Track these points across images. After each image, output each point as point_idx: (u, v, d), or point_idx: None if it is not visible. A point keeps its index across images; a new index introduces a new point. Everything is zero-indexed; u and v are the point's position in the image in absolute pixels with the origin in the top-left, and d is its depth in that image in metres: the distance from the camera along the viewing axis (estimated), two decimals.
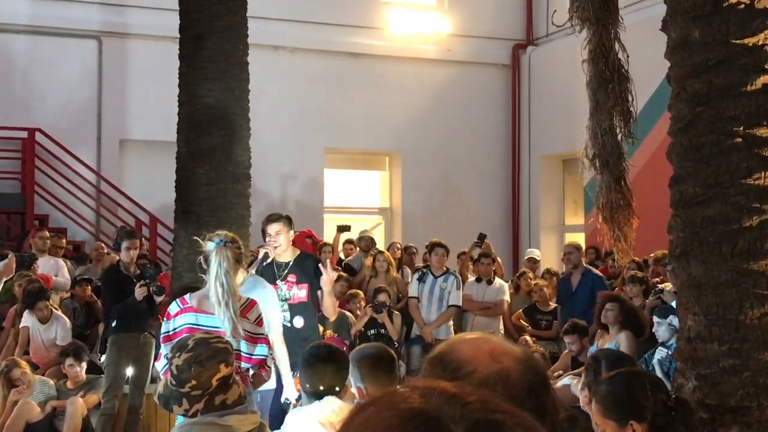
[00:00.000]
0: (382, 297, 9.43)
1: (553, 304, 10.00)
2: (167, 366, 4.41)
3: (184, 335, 3.72)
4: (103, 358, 7.94)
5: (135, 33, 13.40)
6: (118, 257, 8.44)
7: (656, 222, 7.01)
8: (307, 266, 6.65)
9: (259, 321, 4.66)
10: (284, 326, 6.51)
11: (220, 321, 4.47)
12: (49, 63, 13.04)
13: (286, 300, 6.72)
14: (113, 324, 7.71)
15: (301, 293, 6.75)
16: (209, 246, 4.60)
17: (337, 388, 3.91)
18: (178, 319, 4.55)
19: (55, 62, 13.07)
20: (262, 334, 4.66)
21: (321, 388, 3.86)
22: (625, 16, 6.16)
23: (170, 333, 4.53)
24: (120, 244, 7.95)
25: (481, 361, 1.65)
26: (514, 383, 1.63)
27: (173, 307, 4.63)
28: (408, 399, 1.23)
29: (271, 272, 6.64)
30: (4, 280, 5.47)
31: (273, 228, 6.69)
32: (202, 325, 4.41)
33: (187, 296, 4.66)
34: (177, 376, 3.29)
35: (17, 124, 12.81)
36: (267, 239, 6.82)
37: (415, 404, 1.22)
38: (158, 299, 7.77)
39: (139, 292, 7.54)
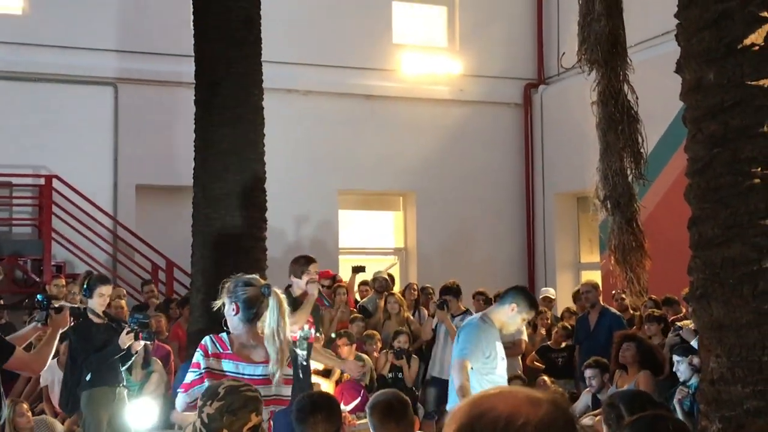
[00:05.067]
0: (402, 338, 9.44)
1: (565, 343, 9.98)
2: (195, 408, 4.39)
3: (214, 382, 3.71)
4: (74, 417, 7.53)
5: (151, 79, 13.55)
6: (85, 305, 7.47)
7: (669, 260, 6.98)
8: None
9: (289, 362, 4.63)
10: (302, 365, 6.71)
11: (261, 369, 4.42)
12: (65, 110, 13.17)
13: (306, 338, 6.87)
14: (87, 378, 7.12)
15: (312, 331, 6.98)
16: (257, 293, 4.52)
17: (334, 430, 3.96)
18: (224, 363, 4.44)
19: (71, 109, 13.21)
20: (291, 375, 4.65)
21: None
22: (636, 54, 6.20)
23: (216, 372, 4.36)
24: (93, 290, 7.22)
25: (527, 410, 1.66)
26: (558, 429, 1.65)
27: (210, 345, 4.48)
28: None
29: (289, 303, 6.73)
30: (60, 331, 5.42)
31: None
32: (243, 374, 4.33)
33: (224, 337, 4.55)
34: (208, 425, 3.31)
35: (34, 171, 12.94)
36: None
37: None
38: (140, 346, 7.18)
39: (126, 339, 6.91)
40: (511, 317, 5.84)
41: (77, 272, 12.46)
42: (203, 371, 4.38)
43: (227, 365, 4.40)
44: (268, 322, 4.41)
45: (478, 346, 5.77)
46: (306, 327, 6.82)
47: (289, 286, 6.87)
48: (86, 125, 13.29)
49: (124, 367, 7.36)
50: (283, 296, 4.49)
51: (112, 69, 13.50)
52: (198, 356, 4.50)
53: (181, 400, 4.47)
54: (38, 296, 5.54)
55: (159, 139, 13.38)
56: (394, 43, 15.28)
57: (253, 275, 4.74)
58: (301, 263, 6.93)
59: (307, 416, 3.94)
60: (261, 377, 4.36)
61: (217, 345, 4.47)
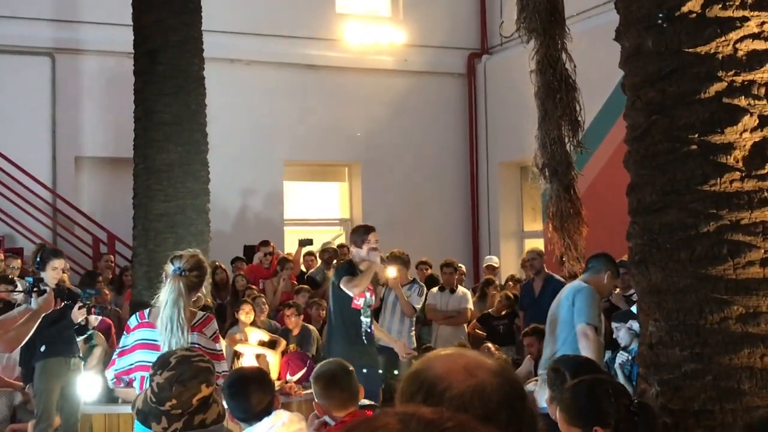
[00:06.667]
0: None
1: (505, 311, 10.10)
2: (129, 376, 4.41)
3: (167, 351, 3.71)
4: (29, 387, 7.55)
5: (89, 49, 13.27)
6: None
7: (611, 228, 7.09)
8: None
9: (215, 337, 4.63)
10: (366, 332, 6.89)
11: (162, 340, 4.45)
12: (1, 81, 12.86)
13: (369, 306, 7.02)
14: (41, 349, 7.23)
15: (374, 298, 7.19)
16: (169, 269, 4.58)
17: (269, 403, 3.96)
18: (135, 333, 4.53)
19: (7, 80, 12.90)
20: (218, 350, 4.63)
21: (253, 410, 3.89)
22: (577, 24, 6.25)
23: (127, 347, 4.51)
24: (45, 263, 7.14)
25: (456, 377, 1.65)
26: (489, 397, 1.63)
27: (132, 321, 4.59)
28: (387, 426, 1.23)
29: (352, 271, 6.93)
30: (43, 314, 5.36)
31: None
32: (156, 341, 4.39)
33: (146, 311, 4.62)
34: (157, 394, 3.27)
35: None
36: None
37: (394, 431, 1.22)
38: (96, 321, 7.44)
39: (78, 314, 7.05)
40: (607, 285, 5.94)
41: (17, 246, 12.24)
42: (119, 350, 4.50)
43: (143, 333, 4.46)
44: (162, 299, 4.46)
45: (596, 315, 5.81)
46: (368, 294, 6.95)
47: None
48: (23, 97, 12.99)
49: (81, 338, 7.52)
50: (178, 283, 4.47)
51: (48, 39, 13.19)
52: (122, 337, 4.64)
53: (108, 376, 4.63)
54: (27, 278, 5.56)
55: (98, 110, 13.14)
56: (337, 13, 15.17)
57: (188, 253, 4.73)
58: (361, 233, 7.04)
59: (238, 390, 3.92)
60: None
61: (137, 317, 4.55)
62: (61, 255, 7.58)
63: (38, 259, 7.27)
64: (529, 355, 8.18)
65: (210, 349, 4.49)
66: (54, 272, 7.17)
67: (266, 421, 3.84)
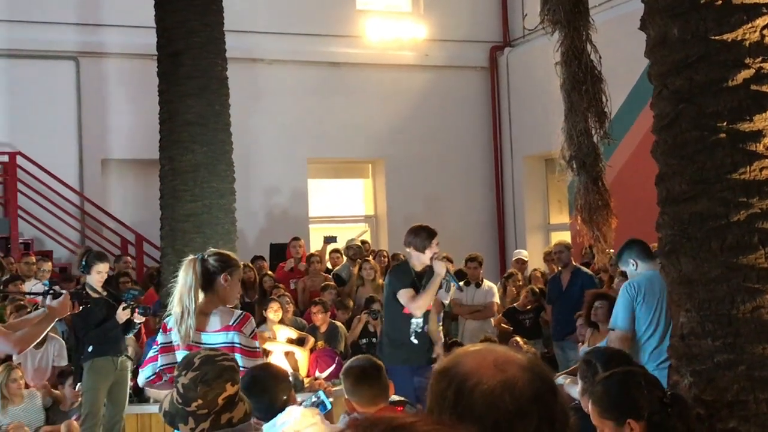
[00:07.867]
0: (376, 306, 9.43)
1: (531, 305, 10.08)
2: (164, 380, 4.44)
3: (190, 352, 3.72)
4: (79, 386, 7.72)
5: (112, 52, 13.35)
6: (83, 279, 7.84)
7: (638, 218, 7.04)
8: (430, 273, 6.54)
9: (253, 335, 4.63)
10: (417, 332, 6.55)
11: (214, 338, 4.45)
12: (27, 85, 12.96)
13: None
14: (89, 349, 7.45)
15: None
16: None
17: (284, 398, 3.99)
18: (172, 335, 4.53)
19: (33, 84, 13.00)
20: (258, 348, 4.64)
21: (271, 407, 3.91)
22: (600, 14, 6.21)
23: (171, 344, 4.51)
24: (90, 266, 7.48)
25: (486, 372, 1.64)
26: (520, 392, 1.63)
27: (170, 321, 4.59)
28: None
29: (410, 278, 6.54)
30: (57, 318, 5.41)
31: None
32: (202, 343, 4.39)
33: None
34: (183, 395, 3.28)
35: None
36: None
37: None
38: (142, 319, 7.63)
39: (122, 315, 7.33)
40: None
41: (46, 249, 12.36)
42: (159, 347, 4.49)
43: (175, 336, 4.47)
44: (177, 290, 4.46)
45: None
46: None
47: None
48: (49, 101, 13.09)
49: (129, 335, 7.75)
50: (193, 266, 4.47)
51: (72, 42, 13.28)
52: (159, 334, 4.65)
53: (141, 376, 4.65)
54: (44, 282, 5.67)
55: (123, 112, 13.22)
56: (357, 9, 15.17)
57: (223, 251, 4.78)
58: (423, 237, 6.55)
59: (253, 389, 3.94)
60: (219, 345, 4.36)
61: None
62: (106, 259, 7.78)
63: (83, 263, 7.53)
64: (580, 343, 8.10)
65: (249, 348, 4.50)
66: (99, 276, 7.49)
67: (279, 417, 3.86)
